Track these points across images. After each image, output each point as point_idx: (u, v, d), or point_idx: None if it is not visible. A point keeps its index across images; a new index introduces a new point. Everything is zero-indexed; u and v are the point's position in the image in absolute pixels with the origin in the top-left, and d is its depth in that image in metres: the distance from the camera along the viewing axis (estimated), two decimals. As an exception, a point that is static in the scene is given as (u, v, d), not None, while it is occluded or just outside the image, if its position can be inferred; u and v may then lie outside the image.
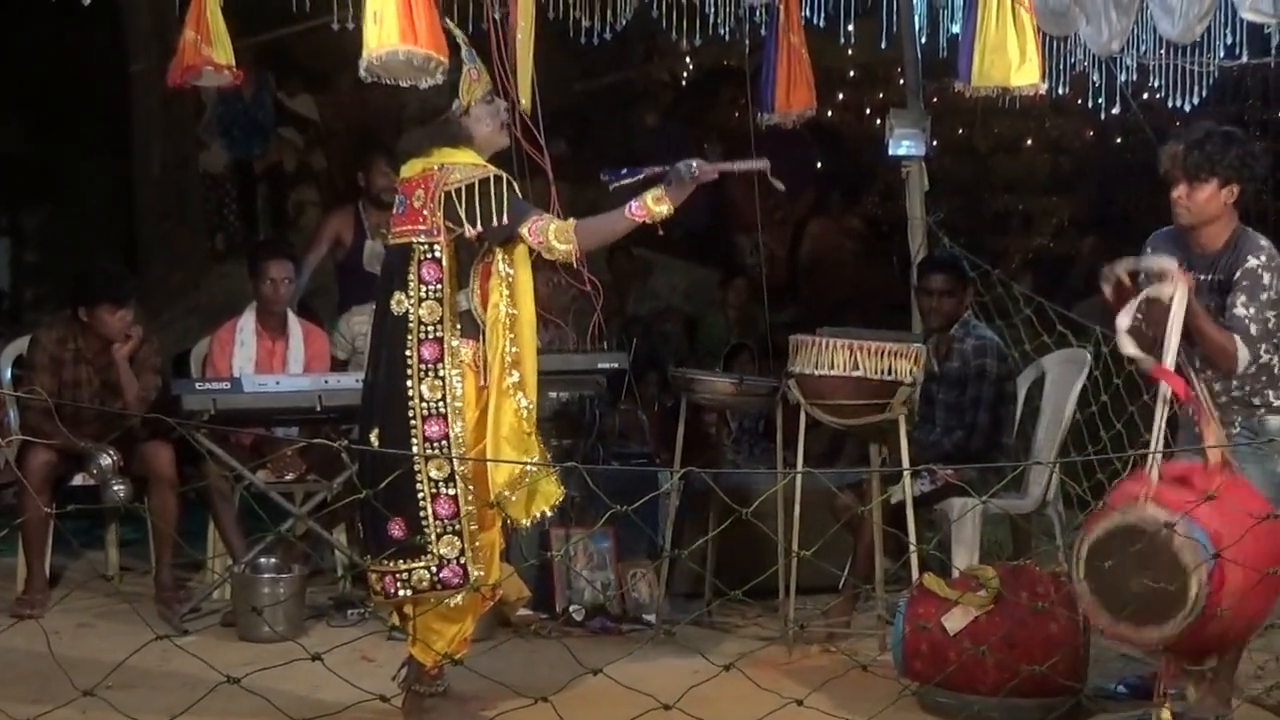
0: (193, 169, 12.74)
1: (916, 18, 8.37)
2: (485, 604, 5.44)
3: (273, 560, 6.91)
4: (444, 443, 5.20)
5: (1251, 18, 7.87)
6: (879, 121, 9.30)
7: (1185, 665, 5.30)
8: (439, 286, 5.23)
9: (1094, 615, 5.10)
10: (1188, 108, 8.50)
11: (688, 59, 14.84)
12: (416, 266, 5.23)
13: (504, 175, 5.24)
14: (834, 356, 6.36)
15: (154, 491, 7.04)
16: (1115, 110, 8.59)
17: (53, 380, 7.12)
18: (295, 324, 7.66)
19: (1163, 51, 8.45)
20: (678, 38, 8.10)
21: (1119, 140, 13.43)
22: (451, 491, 5.20)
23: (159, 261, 12.33)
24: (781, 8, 7.96)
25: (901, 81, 9.09)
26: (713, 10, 7.81)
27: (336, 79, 12.65)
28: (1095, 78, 8.48)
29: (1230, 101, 10.19)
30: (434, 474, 5.20)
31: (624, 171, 5.47)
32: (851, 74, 14.52)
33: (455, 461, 5.18)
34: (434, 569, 5.21)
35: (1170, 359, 5.11)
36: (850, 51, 10.21)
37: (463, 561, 5.22)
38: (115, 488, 6.86)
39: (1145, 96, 8.93)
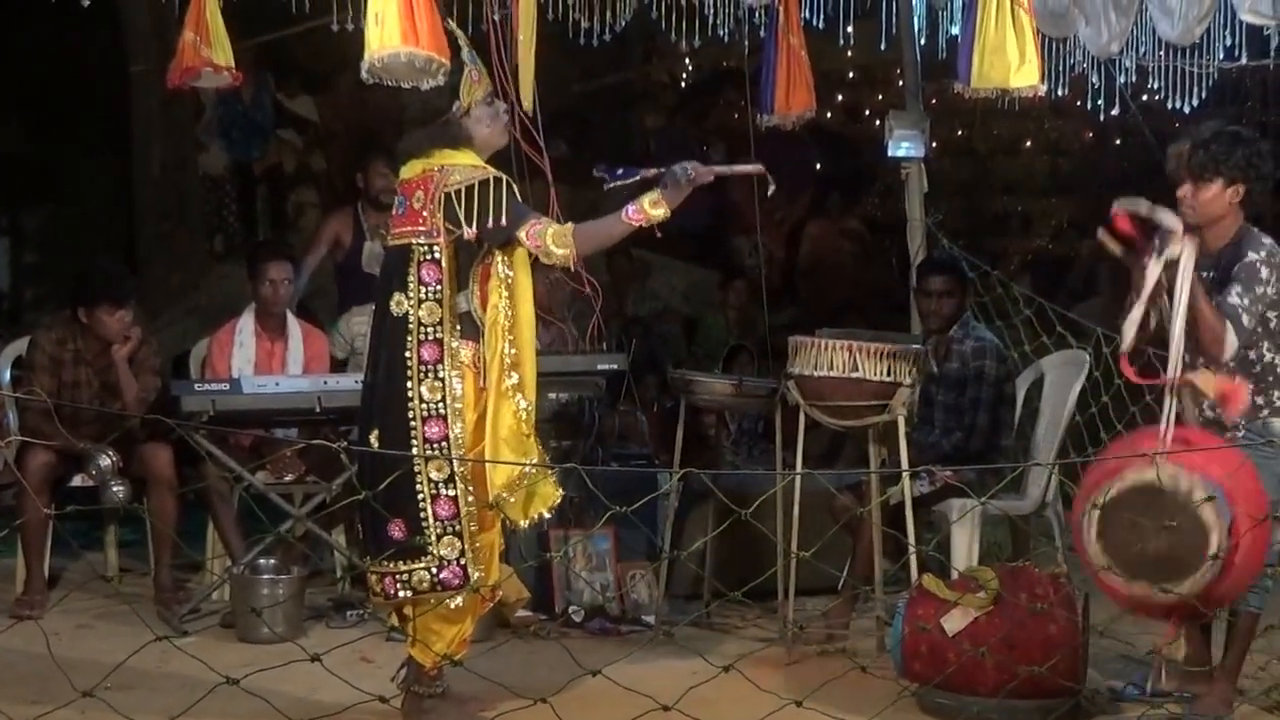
0: (192, 170, 12.73)
1: (916, 19, 8.37)
2: (484, 605, 5.45)
3: (272, 561, 6.90)
4: (444, 444, 5.20)
5: (1251, 19, 7.88)
6: (878, 123, 9.30)
7: (1186, 627, 5.32)
8: (438, 288, 5.23)
9: (1109, 578, 5.09)
10: (1187, 109, 8.51)
11: (687, 60, 14.85)
12: (416, 268, 5.23)
13: (504, 177, 5.24)
14: (833, 358, 6.36)
15: (153, 492, 7.04)
16: (1114, 112, 8.60)
17: (52, 381, 7.11)
18: (294, 325, 7.66)
19: (1162, 53, 8.46)
20: (677, 39, 8.11)
21: (1118, 142, 13.43)
22: (451, 493, 5.21)
23: (158, 262, 12.32)
24: (781, 9, 7.96)
25: (901, 83, 9.10)
26: (712, 11, 7.80)
27: (336, 80, 12.65)
28: (1094, 79, 8.48)
29: (1229, 103, 10.19)
30: (434, 475, 5.20)
31: (620, 171, 5.47)
32: (851, 75, 14.53)
33: (455, 462, 5.18)
34: (434, 570, 5.21)
35: (1179, 324, 5.17)
36: (850, 53, 10.22)
37: (463, 563, 5.22)
38: (114, 489, 6.86)
39: (1144, 98, 8.94)
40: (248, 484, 7.07)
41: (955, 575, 6.00)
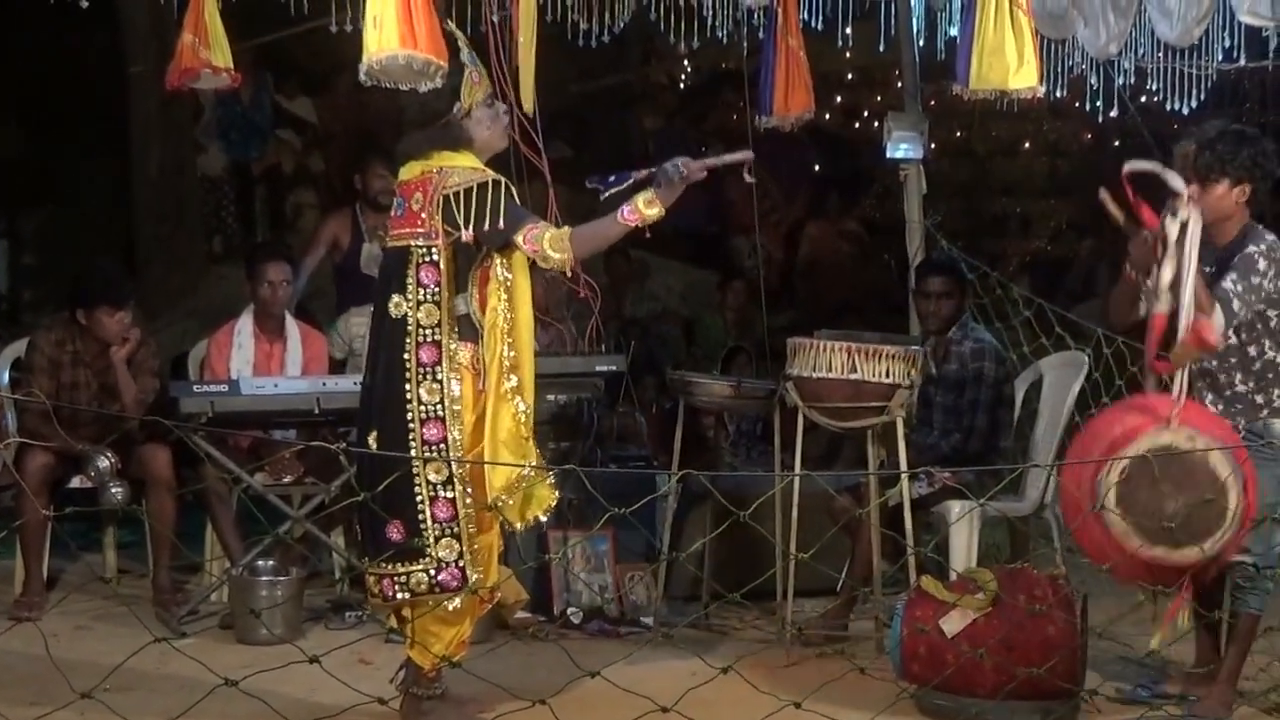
0: (191, 171, 12.73)
1: (914, 21, 8.37)
2: (483, 606, 5.45)
3: (270, 563, 6.90)
4: (442, 446, 5.20)
5: (1250, 21, 7.88)
6: (877, 124, 9.30)
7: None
8: (437, 290, 5.22)
9: (1128, 543, 5.08)
10: (1186, 111, 8.51)
11: (685, 62, 14.85)
12: (415, 270, 5.23)
13: (502, 180, 5.23)
14: (832, 359, 6.36)
15: (152, 494, 7.04)
16: (1113, 113, 8.60)
17: (51, 383, 7.11)
18: (293, 326, 7.65)
19: (1161, 54, 8.46)
20: (675, 40, 8.11)
21: (1117, 143, 13.42)
22: (450, 494, 5.20)
23: (157, 264, 12.32)
24: (780, 10, 7.96)
25: (899, 84, 9.10)
26: (711, 13, 7.80)
27: (335, 81, 12.66)
28: (1093, 81, 8.48)
29: (1228, 105, 10.20)
30: (432, 477, 5.20)
31: (612, 179, 5.45)
32: (850, 77, 14.53)
33: (453, 464, 5.18)
34: (432, 572, 5.21)
35: (1189, 293, 5.19)
36: (848, 54, 10.22)
37: (461, 564, 5.22)
38: (113, 490, 6.86)
39: (1143, 99, 8.94)
40: (246, 485, 7.07)
41: (954, 577, 6.00)
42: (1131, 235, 5.46)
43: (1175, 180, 5.33)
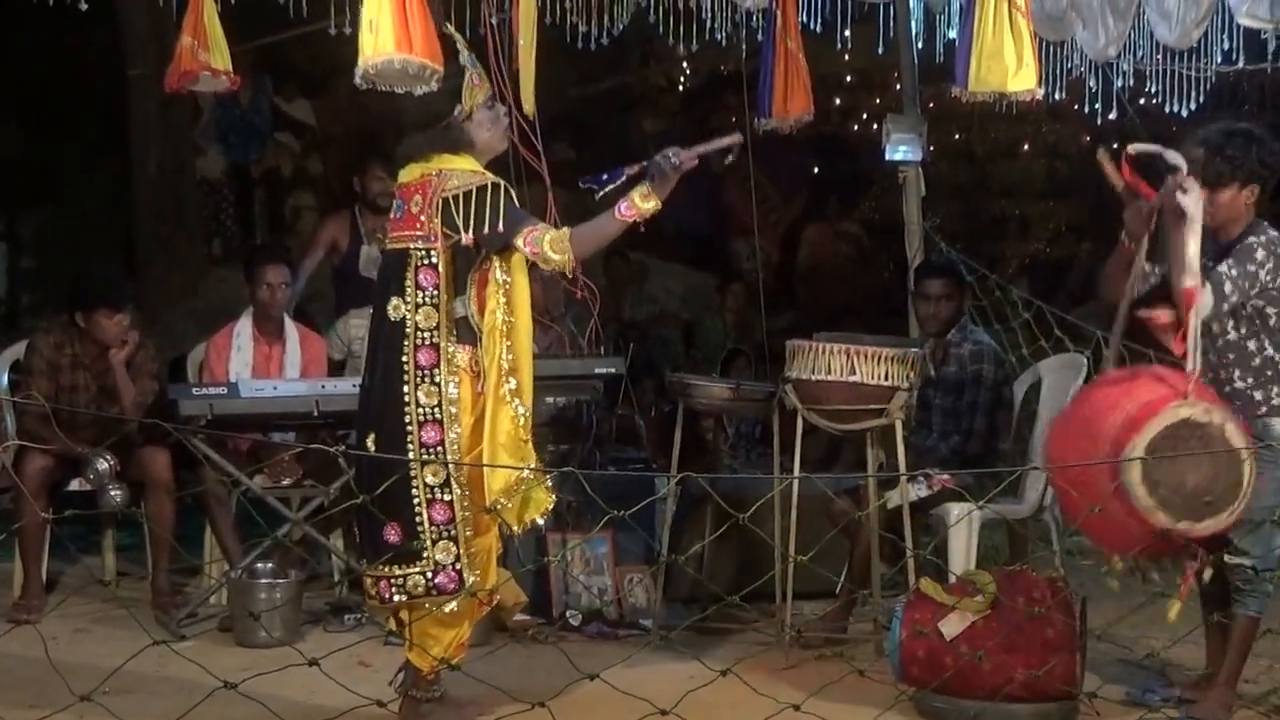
0: (190, 174, 12.75)
1: (913, 23, 8.37)
2: (482, 609, 5.44)
3: (269, 565, 6.90)
4: (440, 449, 5.19)
5: (1248, 23, 7.89)
6: (876, 126, 9.31)
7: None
8: (436, 293, 5.22)
9: (1154, 519, 5.07)
10: (1185, 113, 8.52)
11: (684, 64, 14.87)
12: (413, 272, 5.23)
13: (501, 183, 5.22)
14: (831, 361, 6.36)
15: (151, 496, 7.04)
16: (1112, 115, 8.61)
17: (50, 385, 7.11)
18: (292, 329, 7.65)
19: (1160, 57, 8.48)
20: (674, 43, 8.11)
21: (1115, 146, 13.43)
22: (447, 497, 5.20)
23: (156, 266, 12.33)
24: (778, 13, 7.96)
25: (898, 87, 9.10)
26: (709, 16, 7.81)
27: (333, 84, 12.66)
28: (1092, 83, 8.49)
29: (1227, 107, 10.19)
30: (430, 480, 5.20)
31: (605, 177, 5.44)
32: (848, 79, 14.55)
33: (451, 467, 5.18)
34: (429, 574, 5.21)
35: (1195, 272, 5.20)
36: (847, 57, 10.23)
37: (458, 567, 5.21)
38: (112, 493, 6.86)
39: (1142, 102, 8.95)
40: (245, 488, 7.07)
41: (953, 579, 6.00)
42: (1128, 202, 5.47)
43: (1175, 157, 5.36)
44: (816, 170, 14.93)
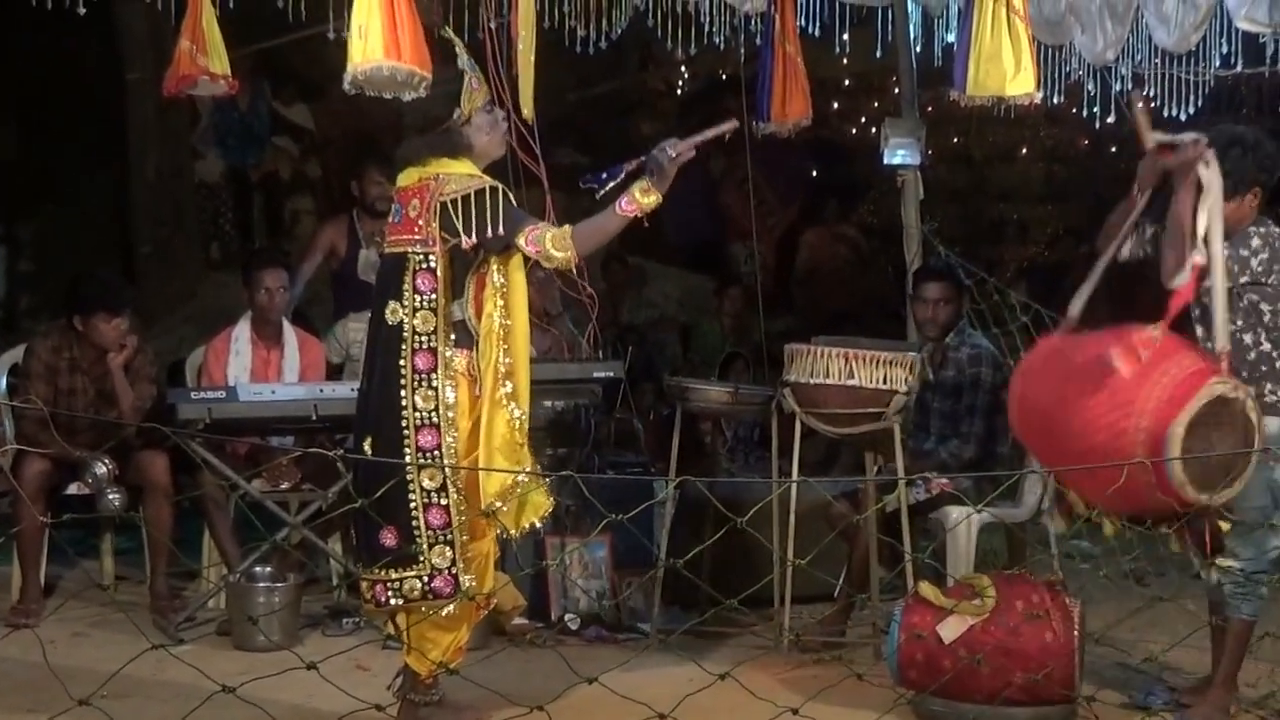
0: (188, 178, 12.74)
1: (912, 27, 8.37)
2: (480, 613, 5.44)
3: (268, 569, 6.90)
4: (437, 453, 5.19)
5: (1247, 27, 7.90)
6: (874, 130, 9.31)
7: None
8: (433, 296, 5.22)
9: (1184, 491, 5.07)
10: (1183, 117, 8.52)
11: (683, 68, 14.87)
12: (411, 276, 5.22)
13: (499, 186, 5.22)
14: (829, 365, 6.36)
15: (149, 500, 7.04)
16: (1110, 119, 8.61)
17: (48, 389, 7.11)
18: (290, 333, 7.65)
19: (1158, 61, 8.48)
20: (673, 47, 8.11)
21: (1114, 149, 13.44)
22: (444, 501, 5.20)
23: (155, 270, 12.33)
24: (777, 17, 7.97)
25: (896, 90, 9.10)
26: (708, 19, 7.81)
27: (331, 88, 12.57)
28: (1090, 87, 8.50)
29: (1225, 111, 10.21)
30: (427, 484, 5.19)
31: (604, 175, 5.44)
32: (847, 83, 14.54)
33: (448, 471, 5.17)
34: (425, 578, 5.20)
35: (1218, 246, 5.28)
36: (845, 61, 10.23)
37: (454, 571, 5.21)
38: (110, 497, 6.85)
39: (1139, 105, 8.93)
40: (244, 492, 7.06)
41: (951, 583, 6.00)
42: (1150, 156, 5.50)
43: (1189, 136, 5.43)
44: (815, 174, 14.93)
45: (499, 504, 5.15)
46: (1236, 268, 5.45)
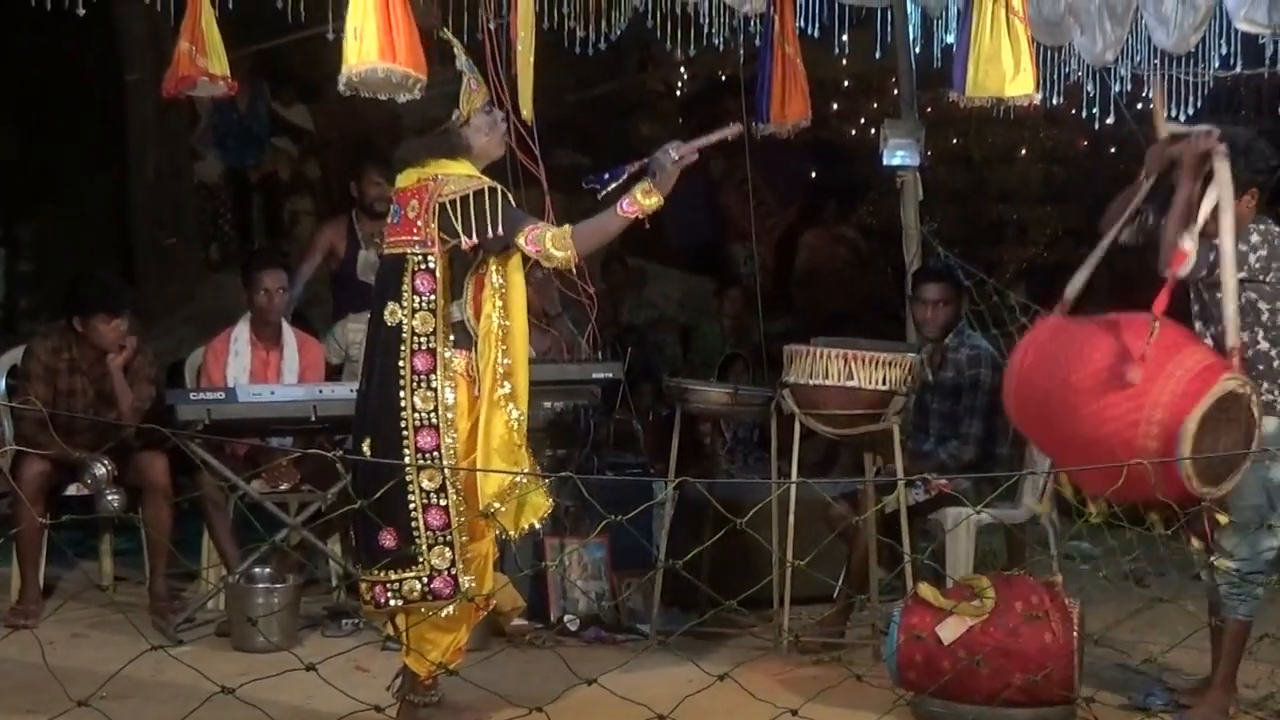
0: (188, 179, 12.74)
1: (911, 28, 8.37)
2: (479, 614, 5.45)
3: (267, 570, 6.89)
4: (436, 454, 5.18)
5: (1246, 28, 7.91)
6: (873, 131, 9.32)
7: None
8: (432, 297, 5.22)
9: (1190, 483, 5.13)
10: (1182, 118, 8.51)
11: (682, 69, 14.87)
12: (410, 277, 5.22)
13: (498, 186, 5.22)
14: (828, 366, 6.36)
15: (148, 501, 7.04)
16: (1109, 120, 8.61)
17: (47, 390, 7.11)
18: (290, 334, 7.65)
19: (1157, 62, 8.48)
20: (672, 48, 8.11)
21: (1113, 150, 13.44)
22: (443, 502, 5.19)
23: (154, 271, 12.32)
24: (776, 18, 7.97)
25: (896, 91, 9.10)
26: (707, 20, 7.81)
27: (331, 89, 12.55)
28: (1090, 88, 8.50)
29: (1224, 112, 10.22)
30: (426, 485, 5.19)
31: (606, 176, 5.44)
32: (846, 84, 14.54)
33: (447, 472, 5.17)
34: (425, 579, 5.20)
35: (1229, 241, 5.31)
36: (845, 62, 10.24)
37: (454, 572, 5.21)
38: (109, 498, 6.85)
39: (1139, 107, 8.95)
40: (243, 493, 7.06)
41: (950, 584, 6.00)
42: (1161, 145, 5.56)
43: (1202, 127, 5.50)
44: (814, 175, 14.92)
45: (497, 505, 5.16)
46: (1234, 261, 5.46)
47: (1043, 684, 5.33)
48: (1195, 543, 5.50)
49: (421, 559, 5.18)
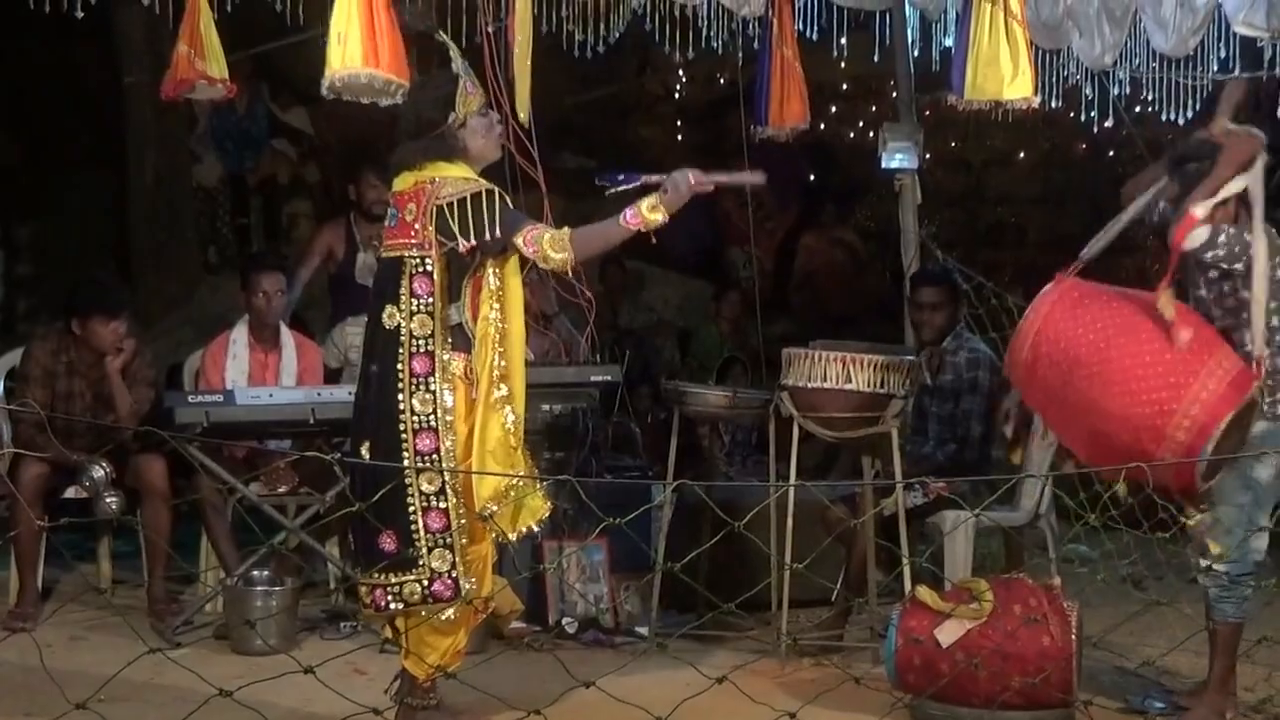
0: (186, 181, 12.74)
1: (909, 31, 8.38)
2: (478, 617, 5.44)
3: (265, 573, 6.89)
4: (435, 456, 5.18)
5: (1245, 31, 7.91)
6: (872, 134, 9.32)
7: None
8: (430, 300, 5.22)
9: (1197, 480, 5.33)
10: (1181, 121, 8.53)
11: (681, 72, 14.88)
12: (408, 280, 5.22)
13: (495, 189, 5.22)
14: (827, 369, 6.36)
15: (146, 504, 7.04)
16: (1108, 123, 8.61)
17: (45, 393, 7.11)
18: (288, 336, 7.64)
19: (1155, 65, 8.48)
20: (671, 51, 8.11)
21: (1111, 153, 13.45)
22: (443, 505, 5.19)
23: (152, 274, 12.33)
24: (774, 21, 7.97)
25: (894, 94, 9.10)
26: (706, 24, 7.81)
27: (330, 92, 12.65)
28: (1088, 91, 8.51)
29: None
30: (425, 488, 5.19)
31: (621, 177, 5.43)
32: (845, 87, 14.54)
33: (446, 475, 5.17)
34: (425, 582, 5.20)
35: (1261, 246, 5.41)
36: (843, 65, 10.24)
37: (454, 575, 5.21)
38: (108, 500, 6.85)
39: (1138, 110, 8.95)
40: (241, 496, 7.06)
41: (949, 587, 6.00)
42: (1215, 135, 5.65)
43: (1256, 130, 5.66)
44: (813, 178, 14.93)
45: (493, 507, 5.15)
46: (1236, 248, 5.46)
47: (1041, 687, 5.32)
48: (1193, 555, 5.57)
49: (421, 562, 5.18)
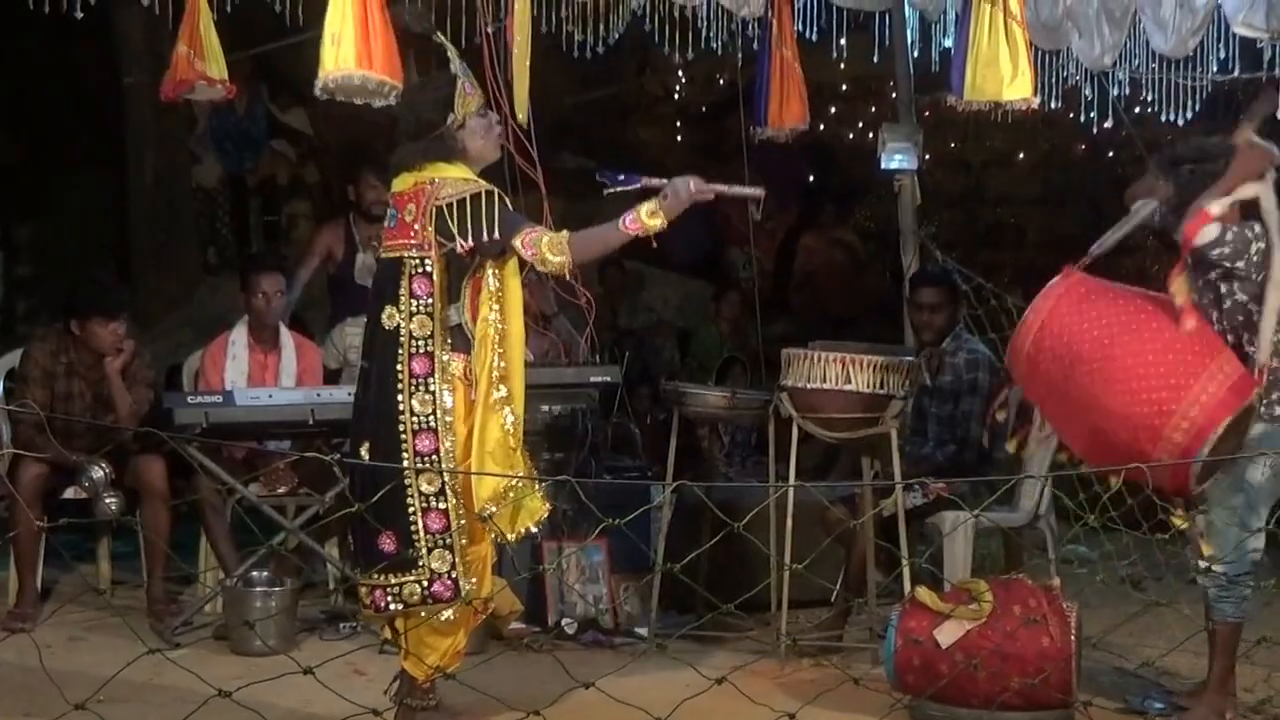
0: (185, 182, 12.74)
1: (909, 32, 8.38)
2: (477, 617, 5.44)
3: (265, 574, 6.89)
4: (434, 457, 5.18)
5: (1244, 32, 7.91)
6: (871, 135, 9.33)
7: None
8: (430, 301, 5.22)
9: (1191, 481, 5.36)
10: (1180, 122, 8.53)
11: (680, 73, 14.88)
12: (408, 281, 5.22)
13: (494, 190, 5.22)
14: (826, 370, 6.36)
15: (146, 505, 7.04)
16: (1108, 124, 8.61)
17: (45, 393, 7.10)
18: (287, 337, 7.64)
19: (1155, 66, 8.49)
20: (670, 51, 8.11)
21: (1111, 154, 13.46)
22: (443, 505, 5.19)
23: (152, 274, 12.33)
24: (774, 22, 7.97)
25: (894, 95, 9.10)
26: (705, 25, 7.81)
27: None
28: (1088, 92, 8.51)
29: (1222, 116, 10.22)
30: (425, 488, 5.19)
31: (621, 177, 5.43)
32: (844, 88, 14.55)
33: (446, 475, 5.17)
34: (424, 583, 5.20)
35: (1275, 237, 5.42)
36: (843, 65, 10.25)
37: (453, 576, 5.21)
38: (107, 501, 6.84)
39: (1137, 111, 8.95)
40: (240, 496, 7.06)
41: (948, 587, 6.00)
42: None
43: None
44: (812, 179, 14.93)
45: (492, 508, 5.15)
46: (1239, 245, 5.46)
47: (1040, 687, 5.32)
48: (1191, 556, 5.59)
49: (421, 563, 5.18)
